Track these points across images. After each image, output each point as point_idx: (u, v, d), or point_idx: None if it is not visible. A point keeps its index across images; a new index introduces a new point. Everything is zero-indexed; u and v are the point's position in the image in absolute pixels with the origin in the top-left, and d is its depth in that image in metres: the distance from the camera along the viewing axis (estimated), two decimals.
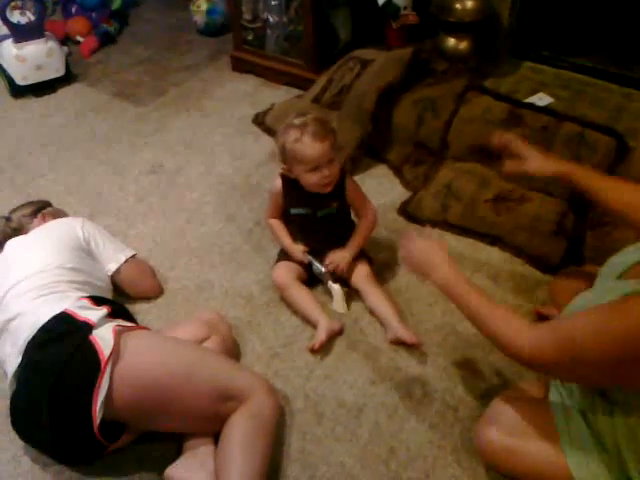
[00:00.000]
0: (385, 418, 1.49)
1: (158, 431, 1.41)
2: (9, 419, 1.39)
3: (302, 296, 1.75)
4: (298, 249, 1.79)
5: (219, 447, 1.33)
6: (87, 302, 1.44)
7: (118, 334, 1.34)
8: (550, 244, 1.88)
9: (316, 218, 1.75)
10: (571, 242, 1.88)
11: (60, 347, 1.32)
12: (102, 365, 1.27)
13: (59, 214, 1.88)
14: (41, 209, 1.85)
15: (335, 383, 1.58)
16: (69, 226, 1.73)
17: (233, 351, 1.62)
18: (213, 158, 2.42)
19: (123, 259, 1.75)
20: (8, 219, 1.81)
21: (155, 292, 1.84)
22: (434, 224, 2.01)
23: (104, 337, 1.32)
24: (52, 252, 1.59)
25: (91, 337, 1.32)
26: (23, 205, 1.88)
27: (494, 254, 1.92)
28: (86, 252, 1.68)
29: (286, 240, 1.82)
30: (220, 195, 2.23)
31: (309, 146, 1.59)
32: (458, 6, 2.38)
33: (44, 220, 1.79)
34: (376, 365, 1.62)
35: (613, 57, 2.42)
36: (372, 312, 1.73)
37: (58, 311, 1.39)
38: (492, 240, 1.94)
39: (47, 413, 1.27)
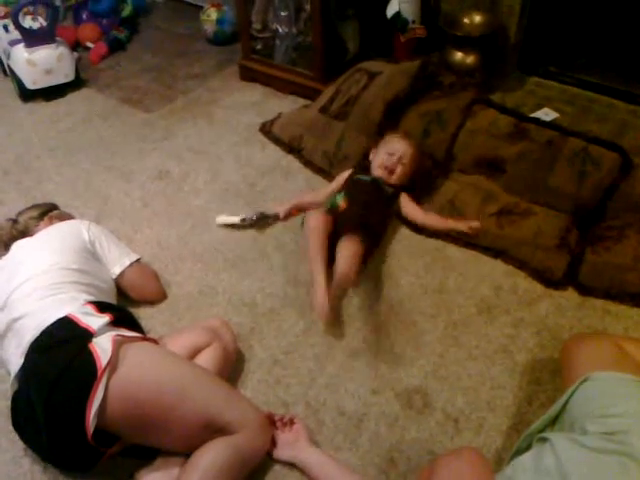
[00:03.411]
0: (385, 428, 1.49)
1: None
2: (10, 420, 1.40)
3: (317, 251, 1.77)
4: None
5: (186, 464, 1.31)
6: (91, 308, 1.44)
7: (117, 344, 1.33)
8: (553, 258, 1.88)
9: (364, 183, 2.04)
10: (574, 257, 1.88)
11: (59, 353, 1.32)
12: (98, 374, 1.26)
13: (65, 217, 1.88)
14: (48, 212, 1.86)
15: (336, 391, 1.58)
16: (75, 228, 1.74)
17: (234, 360, 1.61)
18: (219, 165, 2.43)
19: (127, 263, 1.76)
20: (15, 221, 1.81)
21: (158, 297, 1.85)
22: (438, 236, 2.02)
23: (103, 346, 1.32)
24: (58, 253, 1.60)
25: (90, 345, 1.32)
26: (30, 208, 1.88)
27: (497, 266, 1.92)
28: (91, 254, 1.69)
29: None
30: (225, 202, 2.24)
31: (396, 140, 2.09)
32: (466, 20, 2.41)
33: (50, 223, 1.79)
34: (377, 374, 1.62)
35: (619, 74, 2.43)
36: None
37: (62, 315, 1.39)
38: (496, 253, 1.95)
39: (43, 418, 1.27)
